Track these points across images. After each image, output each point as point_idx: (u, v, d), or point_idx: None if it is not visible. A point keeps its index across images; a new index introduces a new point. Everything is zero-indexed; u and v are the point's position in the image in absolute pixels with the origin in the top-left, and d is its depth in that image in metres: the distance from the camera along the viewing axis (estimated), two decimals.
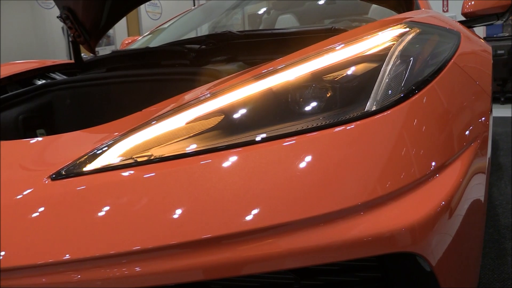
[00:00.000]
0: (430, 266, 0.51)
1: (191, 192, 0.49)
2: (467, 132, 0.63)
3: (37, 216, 0.50)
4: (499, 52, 6.25)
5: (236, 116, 0.59)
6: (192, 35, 2.73)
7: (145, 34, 2.53)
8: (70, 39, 1.85)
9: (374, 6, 2.13)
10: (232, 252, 0.45)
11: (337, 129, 0.52)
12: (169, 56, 1.44)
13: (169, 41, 2.44)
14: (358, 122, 0.54)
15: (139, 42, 2.35)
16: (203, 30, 2.61)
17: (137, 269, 0.44)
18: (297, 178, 0.49)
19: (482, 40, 1.09)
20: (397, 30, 0.73)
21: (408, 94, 0.59)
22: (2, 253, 0.46)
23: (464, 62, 0.74)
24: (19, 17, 6.87)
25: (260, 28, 2.43)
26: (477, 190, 0.62)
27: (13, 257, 0.46)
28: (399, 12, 1.15)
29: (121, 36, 6.31)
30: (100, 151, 0.57)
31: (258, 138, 0.53)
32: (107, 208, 0.49)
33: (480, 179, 0.63)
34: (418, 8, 1.31)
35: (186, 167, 0.52)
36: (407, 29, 0.73)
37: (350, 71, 0.63)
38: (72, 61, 1.88)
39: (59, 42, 7.37)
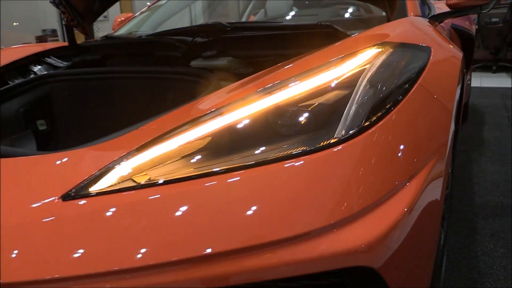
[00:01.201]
0: (382, 278, 0.61)
1: (182, 215, 0.58)
2: (424, 153, 0.71)
3: (47, 234, 0.58)
4: (493, 20, 6.23)
5: (222, 142, 0.67)
6: (186, 12, 2.73)
7: (142, 10, 2.51)
8: (64, 23, 1.87)
9: None
10: (221, 267, 0.55)
11: (304, 159, 0.61)
12: (162, 47, 1.49)
13: (163, 21, 2.45)
14: (325, 151, 0.62)
15: (135, 20, 2.34)
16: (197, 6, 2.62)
17: (139, 283, 0.53)
18: (271, 205, 0.58)
19: (451, 46, 1.15)
20: (370, 52, 0.79)
21: (374, 122, 0.67)
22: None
23: (430, 81, 0.81)
24: None
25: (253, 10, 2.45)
26: (431, 205, 0.71)
27: (22, 272, 0.55)
28: (384, 8, 1.20)
29: (114, 13, 6.16)
30: (104, 172, 0.66)
31: (239, 165, 0.62)
32: (110, 227, 0.58)
33: (435, 194, 0.73)
34: (403, 7, 1.37)
35: (179, 191, 0.60)
36: (380, 49, 0.80)
37: (323, 98, 0.70)
38: (67, 43, 1.90)
39: (50, 10, 7.23)
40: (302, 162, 0.62)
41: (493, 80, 5.70)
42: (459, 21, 3.14)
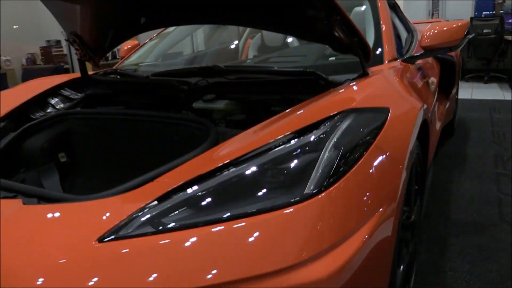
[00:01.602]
0: None
1: (186, 255, 0.78)
2: (375, 202, 0.91)
3: (86, 267, 0.78)
4: (485, 31, 6.41)
5: (219, 195, 0.88)
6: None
7: (151, 37, 2.72)
8: (77, 58, 2.07)
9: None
10: None
11: (279, 213, 0.81)
12: (167, 88, 1.69)
13: (167, 50, 2.65)
14: (295, 206, 0.82)
15: (141, 50, 2.54)
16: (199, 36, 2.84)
17: None
18: (254, 248, 0.78)
19: (412, 97, 1.35)
20: (336, 119, 1.00)
21: (335, 180, 0.87)
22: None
23: (384, 140, 1.00)
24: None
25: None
26: (383, 240, 0.91)
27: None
28: (356, 54, 1.39)
29: None
30: (129, 220, 0.86)
31: (225, 216, 0.82)
32: (132, 263, 0.78)
33: (386, 231, 0.92)
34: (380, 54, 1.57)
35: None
36: (344, 115, 1.01)
37: (296, 160, 0.91)
38: (79, 75, 2.10)
39: (52, 21, 7.44)
40: (278, 215, 0.82)
41: (484, 92, 5.89)
42: None
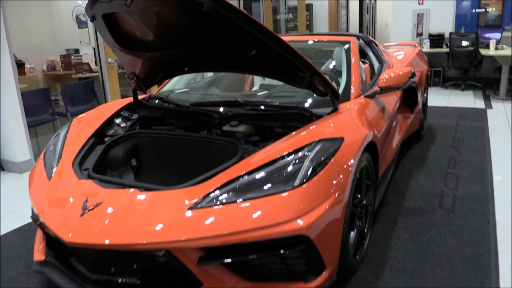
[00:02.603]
0: (312, 240, 1.59)
1: (229, 217, 1.58)
2: (332, 191, 1.70)
3: (185, 220, 1.58)
4: (464, 43, 7.18)
5: (242, 188, 1.67)
6: None
7: None
8: (132, 88, 2.84)
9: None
10: (237, 235, 1.54)
11: (278, 196, 1.61)
12: (204, 115, 2.47)
13: (192, 78, 3.42)
14: (289, 191, 1.61)
15: (173, 81, 3.30)
16: None
17: None
18: (266, 212, 1.57)
19: (363, 127, 2.14)
20: (312, 145, 1.79)
21: (308, 178, 1.66)
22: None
23: (339, 157, 1.78)
24: (35, 10, 7.67)
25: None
26: (335, 215, 1.70)
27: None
28: (323, 94, 2.20)
29: None
30: (203, 198, 1.64)
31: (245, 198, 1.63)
32: (209, 220, 1.57)
33: (337, 211, 1.72)
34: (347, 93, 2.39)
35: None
36: (320, 142, 1.82)
37: (289, 168, 1.71)
38: (132, 100, 2.87)
39: (71, 30, 8.21)
40: (279, 196, 1.62)
41: (459, 99, 6.65)
42: (416, 61, 4.15)
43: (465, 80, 7.47)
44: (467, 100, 6.58)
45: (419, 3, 8.03)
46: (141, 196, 1.77)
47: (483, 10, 7.55)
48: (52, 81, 8.10)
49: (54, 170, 2.15)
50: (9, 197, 3.60)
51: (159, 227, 1.60)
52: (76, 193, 1.87)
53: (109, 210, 1.71)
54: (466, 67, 7.27)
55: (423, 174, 3.46)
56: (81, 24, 8.39)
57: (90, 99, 5.33)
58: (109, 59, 5.16)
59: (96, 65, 7.64)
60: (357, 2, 11.77)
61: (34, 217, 2.00)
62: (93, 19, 2.22)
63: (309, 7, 9.38)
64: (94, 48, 7.72)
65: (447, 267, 2.16)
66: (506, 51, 6.61)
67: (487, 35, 7.30)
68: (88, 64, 7.72)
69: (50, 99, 4.84)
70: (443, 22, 7.85)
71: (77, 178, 1.99)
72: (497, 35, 7.18)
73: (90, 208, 1.74)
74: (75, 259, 1.91)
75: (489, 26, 7.50)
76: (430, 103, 6.39)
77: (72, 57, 8.18)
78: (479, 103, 6.29)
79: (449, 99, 6.67)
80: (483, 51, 6.83)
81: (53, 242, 2.07)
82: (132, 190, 1.81)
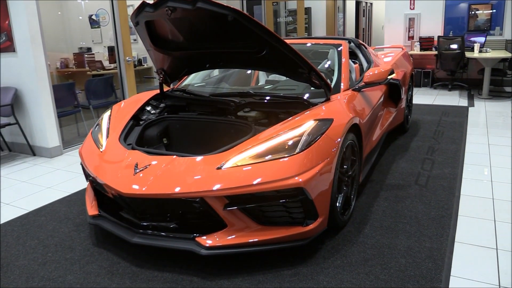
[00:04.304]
0: (308, 192, 2.13)
1: (248, 174, 2.13)
2: (323, 157, 2.24)
3: (215, 176, 2.13)
4: (451, 46, 7.75)
5: (255, 155, 2.23)
6: None
7: None
8: (159, 82, 3.40)
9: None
10: (252, 186, 2.09)
11: (283, 160, 2.15)
12: (222, 103, 3.03)
13: (208, 74, 3.98)
14: (290, 156, 2.14)
15: (191, 76, 3.87)
16: None
17: None
18: (272, 170, 2.12)
19: (349, 112, 2.70)
20: (309, 122, 2.35)
21: (307, 147, 2.20)
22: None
23: (330, 133, 2.32)
24: (50, 9, 8.24)
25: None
26: (325, 177, 2.24)
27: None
28: (317, 86, 2.78)
29: None
30: (226, 161, 2.19)
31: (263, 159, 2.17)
32: (232, 175, 2.13)
33: (328, 170, 2.26)
34: (338, 85, 2.95)
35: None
36: (315, 121, 2.37)
37: (292, 140, 2.25)
38: (157, 91, 3.43)
39: (84, 29, 8.77)
40: (283, 160, 2.17)
41: (445, 98, 7.23)
42: (402, 61, 4.73)
43: (452, 81, 8.06)
44: (452, 99, 7.15)
45: (410, 8, 8.60)
46: (180, 160, 2.33)
47: (472, 14, 8.09)
48: (65, 78, 8.64)
49: (104, 144, 2.71)
50: (47, 176, 4.15)
51: (195, 181, 2.16)
52: (128, 159, 2.43)
53: (156, 170, 2.27)
54: (453, 68, 7.84)
55: (404, 160, 4.03)
56: (93, 24, 8.94)
57: (109, 94, 5.88)
58: (127, 57, 5.72)
59: (109, 63, 8.21)
60: (354, 5, 12.37)
61: (92, 179, 2.56)
62: (137, 24, 2.77)
63: (307, 11, 9.94)
64: (107, 47, 8.29)
65: (415, 225, 2.73)
66: (488, 54, 7.19)
67: (472, 38, 7.87)
68: (100, 62, 8.25)
69: (75, 92, 5.39)
70: (433, 26, 8.43)
71: (126, 149, 2.55)
72: (481, 39, 7.76)
73: (141, 168, 2.30)
74: (125, 211, 2.47)
75: (479, 30, 8.04)
76: (418, 101, 6.98)
77: (85, 55, 8.73)
78: (463, 102, 6.86)
79: (436, 98, 7.24)
80: (468, 54, 7.41)
81: (104, 200, 2.64)
82: (173, 156, 2.37)
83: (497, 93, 7.47)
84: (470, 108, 6.34)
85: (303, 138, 2.28)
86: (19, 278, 2.30)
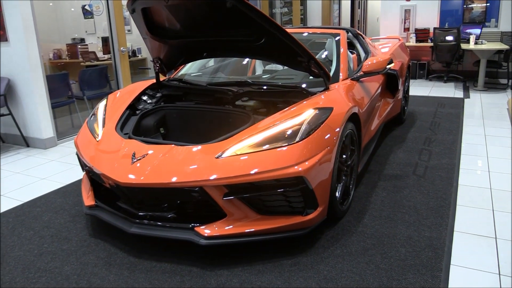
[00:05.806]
0: (308, 181, 2.11)
1: (245, 163, 2.10)
2: (323, 147, 2.21)
3: (214, 165, 2.09)
4: (447, 38, 7.73)
5: (253, 144, 2.20)
6: None
7: None
8: (155, 71, 3.34)
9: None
10: (250, 176, 2.06)
11: (281, 149, 2.12)
12: (219, 92, 3.00)
13: (205, 64, 3.93)
14: (292, 145, 2.14)
15: (187, 66, 3.82)
16: None
17: None
18: (271, 160, 2.09)
19: (348, 101, 2.67)
20: (309, 111, 2.32)
21: (307, 135, 2.18)
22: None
23: (329, 122, 2.29)
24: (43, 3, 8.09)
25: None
26: (325, 166, 2.21)
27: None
28: (323, 78, 2.74)
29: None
30: (224, 151, 2.15)
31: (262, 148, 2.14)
32: (229, 165, 2.10)
33: (327, 163, 2.24)
34: (337, 74, 2.92)
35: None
36: (314, 110, 2.34)
37: (291, 128, 2.23)
38: (153, 81, 3.38)
39: (77, 20, 8.64)
40: (283, 148, 2.14)
41: (441, 90, 7.24)
42: (399, 52, 4.71)
43: (448, 72, 8.05)
44: (448, 90, 7.15)
45: (406, 0, 8.57)
46: (178, 150, 2.29)
47: (468, 6, 8.07)
48: (58, 69, 8.52)
49: (100, 133, 2.67)
50: (41, 167, 4.10)
51: (194, 170, 2.13)
52: (125, 149, 2.39)
53: (154, 159, 2.23)
54: (448, 60, 7.84)
55: (402, 150, 4.02)
56: (87, 15, 8.81)
57: (103, 84, 5.81)
58: (122, 48, 5.64)
59: (104, 53, 8.10)
60: None
61: (88, 169, 2.52)
62: (133, 11, 2.72)
63: (303, 2, 9.88)
64: (101, 38, 8.18)
65: (414, 214, 2.72)
66: (483, 46, 7.19)
67: (468, 30, 7.86)
68: (94, 52, 8.14)
69: (69, 83, 5.31)
70: (429, 17, 8.41)
71: (123, 138, 2.51)
72: (477, 31, 7.75)
73: (139, 158, 2.26)
74: (121, 201, 2.43)
75: (474, 22, 8.03)
76: (414, 93, 6.98)
77: (79, 46, 8.60)
78: (459, 93, 6.87)
79: (432, 90, 7.24)
80: (463, 46, 7.40)
81: (100, 190, 2.60)
82: (171, 145, 2.34)
83: (492, 85, 7.47)
84: (465, 100, 6.34)
85: (303, 127, 2.26)
86: (14, 269, 2.27)
